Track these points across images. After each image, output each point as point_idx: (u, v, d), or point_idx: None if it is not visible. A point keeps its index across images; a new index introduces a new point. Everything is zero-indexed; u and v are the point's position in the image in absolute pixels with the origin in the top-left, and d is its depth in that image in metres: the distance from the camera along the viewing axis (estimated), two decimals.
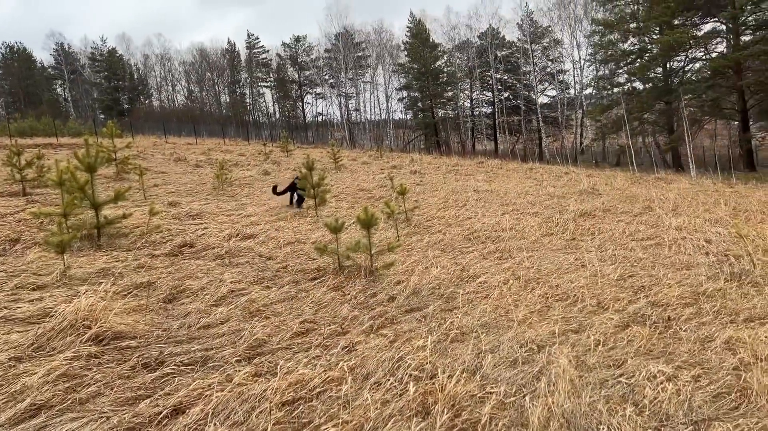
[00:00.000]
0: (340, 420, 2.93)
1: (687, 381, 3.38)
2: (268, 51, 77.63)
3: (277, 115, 79.35)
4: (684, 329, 4.33)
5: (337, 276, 5.98)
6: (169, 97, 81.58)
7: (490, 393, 3.24)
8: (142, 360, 3.72)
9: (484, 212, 10.84)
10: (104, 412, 3.03)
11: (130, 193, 9.86)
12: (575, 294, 5.32)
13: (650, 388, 3.28)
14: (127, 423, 2.93)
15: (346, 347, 4.02)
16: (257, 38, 77.11)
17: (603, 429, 2.86)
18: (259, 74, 78.14)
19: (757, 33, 37.02)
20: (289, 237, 8.14)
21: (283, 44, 74.86)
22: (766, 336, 4.02)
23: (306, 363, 3.68)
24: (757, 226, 8.38)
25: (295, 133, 63.91)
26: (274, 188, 12.22)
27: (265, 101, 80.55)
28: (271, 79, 77.76)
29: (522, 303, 5.12)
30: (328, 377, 3.44)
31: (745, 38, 37.43)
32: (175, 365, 3.67)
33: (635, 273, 6.08)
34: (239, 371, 3.52)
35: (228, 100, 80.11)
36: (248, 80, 78.53)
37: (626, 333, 4.25)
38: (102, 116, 69.64)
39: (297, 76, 75.53)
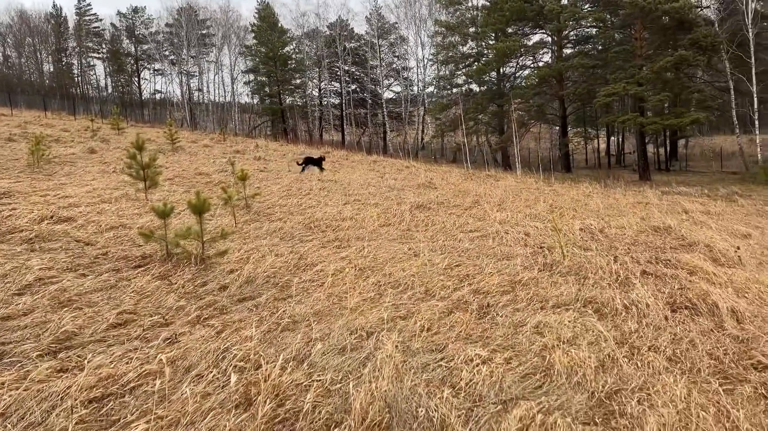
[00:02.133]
0: (154, 416, 2.74)
1: (500, 364, 3.63)
2: (101, 20, 70.60)
3: (110, 90, 72.53)
4: (500, 315, 4.67)
5: (164, 264, 5.63)
6: None
7: (316, 381, 3.23)
8: None
9: (326, 201, 10.89)
10: None
11: None
12: (406, 282, 5.52)
13: (467, 371, 3.48)
14: None
15: (168, 339, 3.79)
16: (89, 5, 69.93)
17: (421, 411, 2.97)
18: (90, 44, 70.70)
19: (577, 47, 41.41)
20: (112, 222, 7.52)
21: (119, 14, 68.67)
22: (569, 321, 4.46)
23: (121, 357, 3.41)
24: (569, 222, 9.32)
25: (130, 110, 59.02)
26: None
27: (95, 74, 73.25)
28: (104, 51, 70.78)
29: (356, 290, 5.19)
30: (144, 371, 3.21)
31: (567, 51, 41.65)
32: None
33: (462, 262, 6.44)
34: (40, 366, 3.16)
35: (52, 69, 71.66)
36: (77, 50, 70.88)
37: (449, 319, 4.48)
38: None
39: (134, 49, 69.56)
